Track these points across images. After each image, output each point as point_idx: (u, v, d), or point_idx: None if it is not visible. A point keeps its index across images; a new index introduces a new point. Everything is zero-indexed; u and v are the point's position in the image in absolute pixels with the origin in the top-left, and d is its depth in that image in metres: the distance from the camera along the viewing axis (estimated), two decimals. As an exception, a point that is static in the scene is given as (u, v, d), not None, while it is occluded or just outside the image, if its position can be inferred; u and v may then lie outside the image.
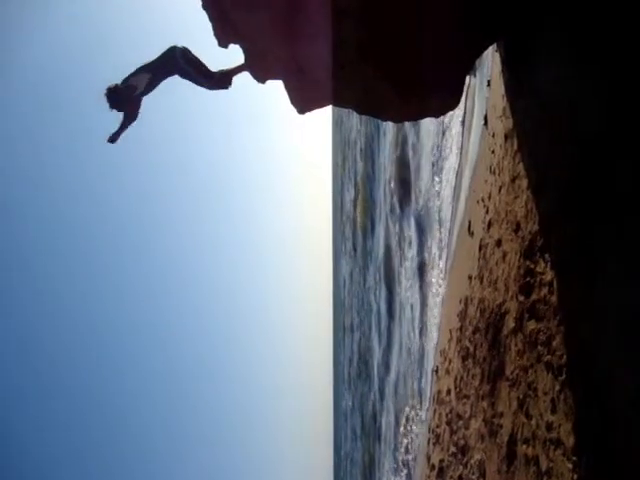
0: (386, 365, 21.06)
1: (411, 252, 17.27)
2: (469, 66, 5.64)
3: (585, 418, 3.35)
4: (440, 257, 13.54)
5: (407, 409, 16.50)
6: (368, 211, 26.99)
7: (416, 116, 6.10)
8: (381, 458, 22.04)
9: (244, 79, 5.91)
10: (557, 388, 3.75)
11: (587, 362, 3.33)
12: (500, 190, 6.03)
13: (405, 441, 16.49)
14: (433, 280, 14.23)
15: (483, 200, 7.26)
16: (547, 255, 4.16)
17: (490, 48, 5.98)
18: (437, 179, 14.23)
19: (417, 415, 15.11)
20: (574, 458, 3.41)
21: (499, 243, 5.86)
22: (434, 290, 14.01)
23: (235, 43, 5.36)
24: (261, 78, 5.64)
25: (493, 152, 6.78)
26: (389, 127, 19.84)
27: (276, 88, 5.65)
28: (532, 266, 4.51)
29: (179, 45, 5.88)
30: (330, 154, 47.08)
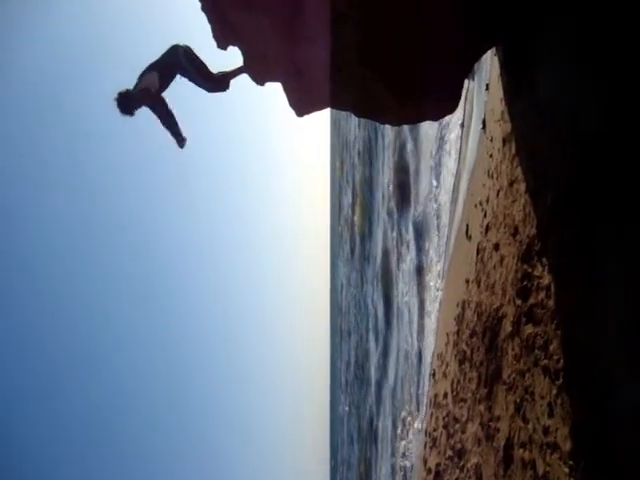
0: (383, 369, 21.04)
1: (409, 256, 17.27)
2: (468, 70, 5.64)
3: (582, 422, 3.34)
4: (438, 261, 13.54)
5: (404, 413, 16.47)
6: (366, 215, 26.99)
7: (415, 119, 6.12)
8: (378, 462, 22.01)
9: (243, 81, 5.92)
10: (554, 392, 3.74)
11: (584, 366, 3.32)
12: (498, 194, 6.03)
13: (402, 445, 16.46)
14: (431, 284, 14.23)
15: (481, 204, 7.27)
16: (545, 259, 4.16)
17: (489, 52, 6.00)
18: (435, 183, 14.24)
19: (414, 419, 15.09)
20: (571, 462, 3.40)
21: (497, 247, 5.86)
22: (432, 294, 14.01)
23: (234, 45, 5.36)
24: (260, 80, 5.64)
25: (491, 156, 6.78)
26: (387, 130, 19.86)
27: (275, 90, 5.66)
28: (530, 270, 4.50)
29: (181, 44, 5.87)
30: (328, 157, 47.13)
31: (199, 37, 5.99)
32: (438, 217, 13.78)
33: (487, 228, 6.57)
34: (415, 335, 15.59)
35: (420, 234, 15.84)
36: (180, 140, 5.89)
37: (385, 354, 20.84)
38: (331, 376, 47.02)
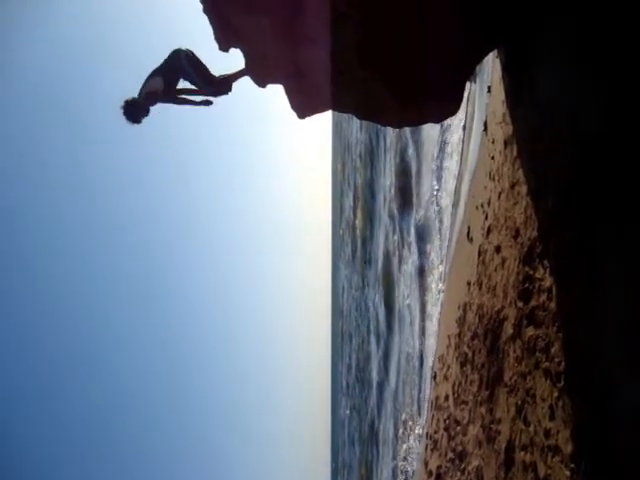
0: (384, 372, 21.02)
1: (410, 258, 17.27)
2: (469, 72, 5.65)
3: (583, 425, 3.33)
4: (439, 263, 13.54)
5: (405, 416, 16.45)
6: (368, 217, 26.99)
7: (416, 122, 6.12)
8: (379, 465, 21.98)
9: (245, 83, 5.92)
10: (555, 395, 3.73)
11: (586, 369, 3.31)
12: (499, 196, 6.02)
13: (403, 448, 16.43)
14: (432, 286, 14.23)
15: (482, 206, 7.26)
16: (546, 261, 4.15)
17: (490, 54, 6.00)
18: (437, 186, 14.24)
19: (415, 422, 15.06)
20: (572, 465, 3.39)
21: (498, 249, 5.85)
22: (433, 296, 14.00)
23: (236, 47, 5.37)
24: (261, 82, 5.65)
25: (493, 158, 6.77)
26: (389, 133, 19.87)
27: (276, 92, 5.67)
28: (531, 272, 4.49)
29: (183, 47, 5.87)
30: (330, 159, 47.15)
31: (200, 39, 6.00)
32: (440, 220, 13.78)
33: (488, 230, 6.56)
34: (417, 337, 15.57)
35: (422, 236, 15.84)
36: (206, 104, 5.97)
37: (386, 357, 20.82)
38: (332, 379, 46.98)
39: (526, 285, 4.59)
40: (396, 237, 19.61)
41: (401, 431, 16.91)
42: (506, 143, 5.91)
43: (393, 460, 18.11)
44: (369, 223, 26.65)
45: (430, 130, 14.34)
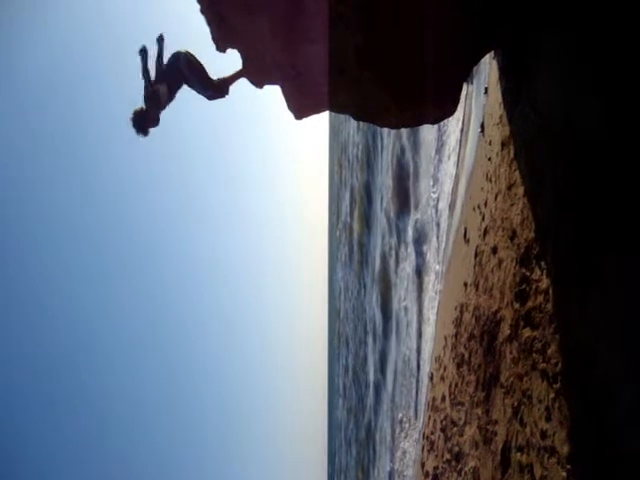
0: (381, 374, 21.00)
1: (407, 260, 17.27)
2: (467, 73, 5.65)
3: (580, 426, 3.33)
4: (436, 264, 13.53)
5: (403, 418, 16.43)
6: (365, 219, 26.98)
7: (413, 122, 6.10)
8: (376, 467, 21.95)
9: (242, 84, 5.90)
10: (552, 396, 3.74)
11: (582, 370, 3.31)
12: (496, 197, 6.03)
13: (400, 450, 16.42)
14: (429, 288, 14.22)
15: (479, 207, 7.27)
16: (543, 263, 4.16)
17: (487, 55, 6.00)
18: (434, 187, 14.23)
19: (412, 424, 15.05)
20: (568, 466, 3.40)
21: (495, 250, 5.85)
22: (430, 298, 13.99)
23: (233, 48, 5.36)
24: (258, 83, 5.64)
25: (490, 159, 6.78)
26: (386, 135, 19.87)
27: (274, 93, 5.66)
28: (528, 273, 4.50)
29: (182, 50, 5.83)
30: (327, 161, 47.13)
31: (198, 40, 5.99)
32: (437, 221, 13.78)
33: (485, 231, 6.57)
34: (414, 339, 15.56)
35: (419, 238, 15.83)
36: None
37: (383, 358, 20.80)
38: (329, 381, 46.90)
39: (523, 286, 4.59)
40: (393, 239, 19.60)
41: (398, 432, 16.89)
42: (503, 144, 5.91)
43: (390, 462, 18.09)
44: (366, 225, 26.63)
45: (427, 132, 14.35)
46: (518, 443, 4.48)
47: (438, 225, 13.57)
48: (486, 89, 7.82)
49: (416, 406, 14.65)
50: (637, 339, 2.77)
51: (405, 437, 15.86)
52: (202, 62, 5.85)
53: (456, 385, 7.74)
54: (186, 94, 5.94)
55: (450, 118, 6.26)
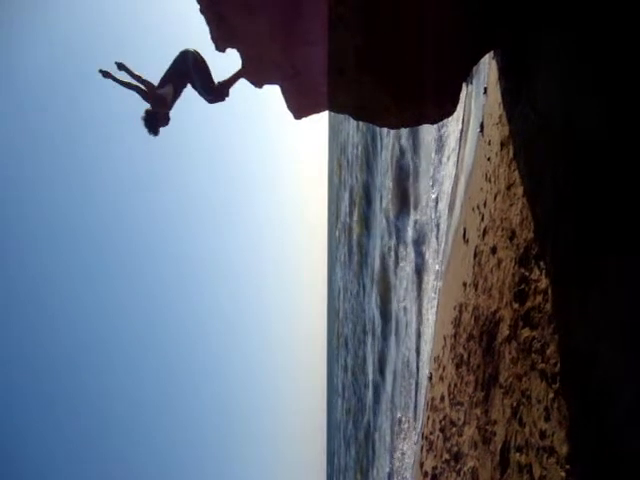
0: (381, 374, 20.99)
1: (407, 260, 17.26)
2: (466, 73, 5.64)
3: (579, 426, 3.33)
4: (436, 264, 13.53)
5: (402, 418, 16.43)
6: (364, 219, 26.97)
7: (413, 122, 6.09)
8: (375, 468, 21.94)
9: (242, 83, 5.90)
10: (551, 396, 3.73)
11: (581, 370, 3.31)
12: (495, 197, 6.03)
13: (399, 450, 16.41)
14: (429, 288, 14.21)
15: (478, 207, 7.27)
16: (542, 263, 4.15)
17: (487, 56, 6.00)
18: (434, 187, 14.23)
19: (412, 424, 15.04)
20: (567, 466, 3.39)
21: (494, 250, 5.85)
22: (429, 298, 13.99)
23: (232, 47, 5.35)
24: (258, 83, 5.63)
25: (489, 159, 6.78)
26: (386, 135, 19.87)
27: (273, 92, 5.66)
28: (527, 274, 4.50)
29: (191, 49, 5.80)
30: (326, 162, 47.14)
31: (197, 39, 5.98)
32: (436, 221, 13.77)
33: (484, 231, 6.56)
34: (413, 339, 15.55)
35: (418, 238, 15.83)
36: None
37: (382, 359, 20.79)
38: (328, 381, 46.90)
39: (522, 286, 4.59)
40: (392, 239, 19.59)
41: (397, 433, 16.89)
42: (502, 144, 5.91)
43: (389, 463, 18.08)
44: (365, 226, 26.62)
45: (427, 132, 14.36)
46: (517, 443, 4.47)
47: (437, 225, 13.57)
48: (485, 89, 7.82)
49: (415, 406, 14.65)
50: (637, 339, 2.76)
51: (404, 437, 15.85)
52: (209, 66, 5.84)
53: (455, 385, 7.73)
54: (186, 94, 5.93)
55: (449, 118, 6.27)
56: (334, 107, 5.60)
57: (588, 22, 3.58)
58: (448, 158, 12.67)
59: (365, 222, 26.71)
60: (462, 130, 11.12)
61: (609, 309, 3.03)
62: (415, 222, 16.33)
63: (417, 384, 14.59)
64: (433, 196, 14.20)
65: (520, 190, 4.98)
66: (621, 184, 3.03)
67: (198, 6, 5.13)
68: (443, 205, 12.98)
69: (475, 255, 7.09)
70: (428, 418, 10.36)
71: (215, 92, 5.88)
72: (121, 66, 5.42)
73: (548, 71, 4.32)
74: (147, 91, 5.57)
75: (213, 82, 5.84)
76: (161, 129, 5.74)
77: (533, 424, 4.06)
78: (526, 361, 4.32)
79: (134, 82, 5.49)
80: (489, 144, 6.98)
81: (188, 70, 5.73)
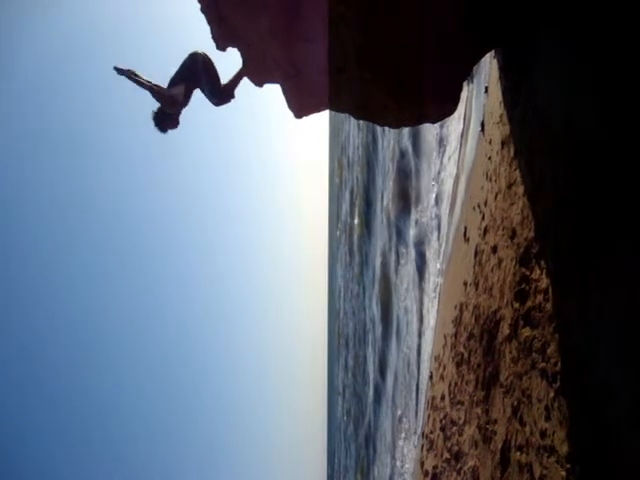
0: (381, 374, 20.99)
1: (408, 259, 17.26)
2: (467, 72, 5.64)
3: (579, 426, 3.33)
4: (436, 264, 13.53)
5: (402, 417, 16.43)
6: (365, 219, 26.95)
7: (413, 122, 6.09)
8: (376, 467, 21.93)
9: (243, 83, 5.90)
10: (551, 395, 3.73)
11: (582, 370, 3.31)
12: (496, 196, 6.03)
13: (399, 449, 16.42)
14: (429, 288, 14.22)
15: (479, 206, 7.27)
16: (543, 262, 4.15)
17: (488, 55, 6.00)
18: (435, 186, 14.24)
19: (412, 423, 15.04)
20: (568, 465, 3.39)
21: (495, 249, 5.85)
22: (430, 297, 13.99)
23: (233, 47, 5.36)
24: (259, 82, 5.64)
25: (489, 158, 6.78)
26: (387, 134, 19.86)
27: (274, 91, 5.66)
28: (527, 273, 4.49)
29: (200, 51, 5.79)
30: (327, 161, 47.07)
31: (198, 39, 5.98)
32: (438, 220, 13.78)
33: (485, 231, 6.56)
34: (414, 339, 15.56)
35: (419, 238, 15.84)
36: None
37: (383, 358, 20.79)
38: (329, 381, 46.85)
39: (522, 286, 4.59)
40: (393, 238, 19.59)
41: (397, 432, 16.89)
42: (503, 143, 5.91)
43: (390, 462, 18.08)
44: (366, 225, 26.60)
45: (427, 132, 14.37)
46: (517, 442, 4.47)
47: (438, 225, 13.57)
48: (486, 88, 7.82)
49: (416, 405, 14.65)
50: (637, 339, 2.76)
51: (405, 436, 15.85)
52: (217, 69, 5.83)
53: (456, 384, 7.73)
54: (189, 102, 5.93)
55: (450, 117, 6.27)
56: (335, 106, 5.60)
57: (588, 22, 3.58)
58: (449, 157, 12.68)
59: (366, 222, 26.69)
60: (463, 129, 11.13)
61: (609, 309, 3.03)
62: (416, 221, 16.33)
63: (418, 383, 14.60)
64: (434, 195, 14.20)
65: (521, 189, 4.97)
66: (621, 184, 3.03)
67: (199, 6, 5.14)
68: (444, 204, 12.98)
69: (476, 254, 7.09)
70: (429, 417, 10.36)
71: (223, 94, 5.88)
72: (128, 72, 5.42)
73: (548, 71, 4.32)
74: (160, 90, 5.58)
75: (220, 85, 5.84)
76: (169, 131, 5.75)
77: (533, 423, 4.06)
78: (526, 360, 4.32)
79: (146, 81, 5.50)
80: (490, 143, 6.98)
81: (197, 72, 5.74)
